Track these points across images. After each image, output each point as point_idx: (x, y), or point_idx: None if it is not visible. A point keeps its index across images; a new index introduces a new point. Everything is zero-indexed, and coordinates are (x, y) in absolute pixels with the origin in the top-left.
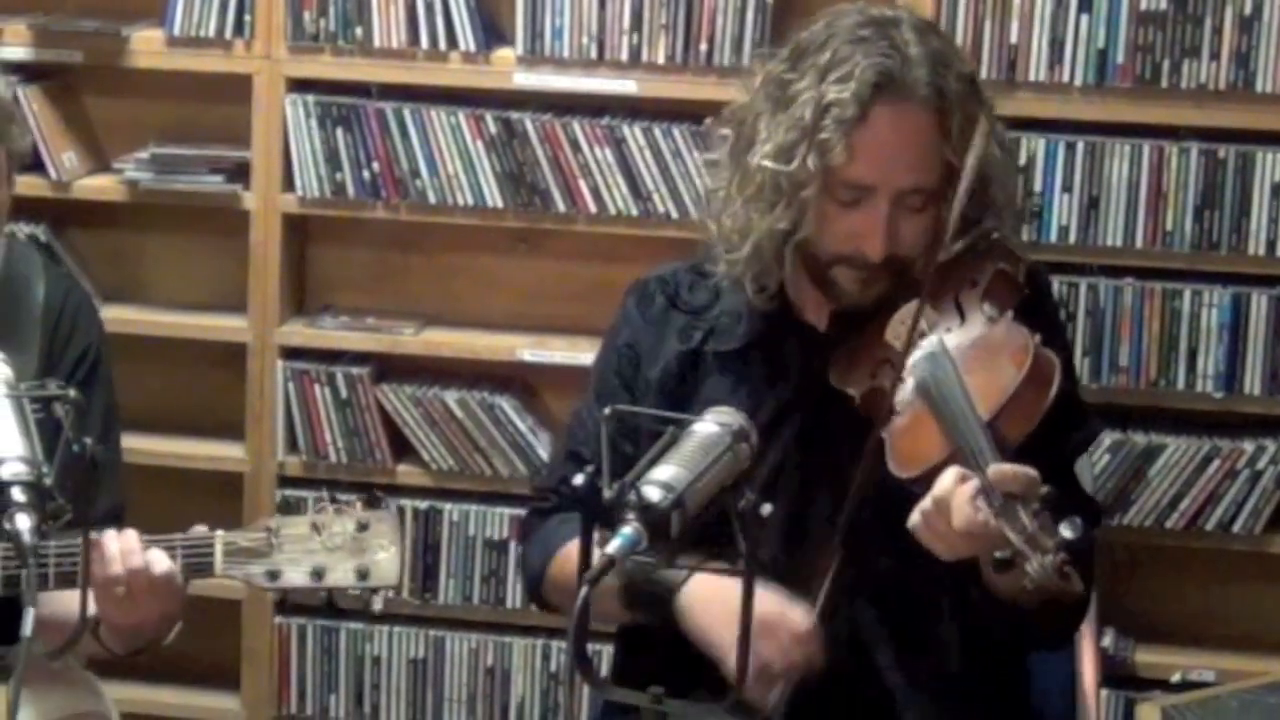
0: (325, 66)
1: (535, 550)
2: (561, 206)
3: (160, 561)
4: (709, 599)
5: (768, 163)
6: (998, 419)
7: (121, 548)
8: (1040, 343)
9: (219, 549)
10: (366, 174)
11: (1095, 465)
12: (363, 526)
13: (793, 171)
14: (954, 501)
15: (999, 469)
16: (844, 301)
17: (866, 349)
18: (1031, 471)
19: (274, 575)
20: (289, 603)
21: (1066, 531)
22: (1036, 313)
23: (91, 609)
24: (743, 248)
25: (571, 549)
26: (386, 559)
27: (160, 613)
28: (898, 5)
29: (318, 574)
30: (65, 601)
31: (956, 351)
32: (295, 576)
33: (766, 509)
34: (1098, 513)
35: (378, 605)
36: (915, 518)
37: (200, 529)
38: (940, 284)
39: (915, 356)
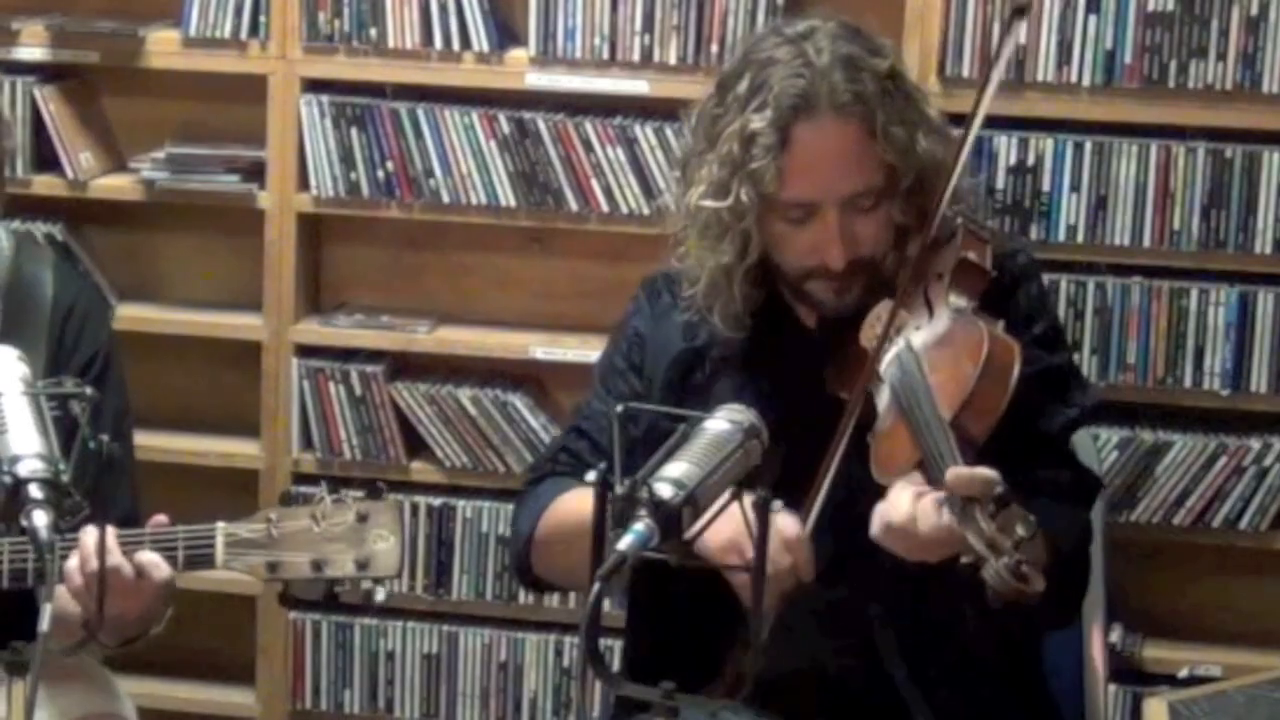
0: (340, 67)
1: (523, 516)
2: (574, 206)
3: (157, 567)
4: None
5: (706, 202)
6: (960, 417)
7: (95, 546)
8: (1003, 329)
9: (220, 540)
10: (381, 173)
11: (1103, 462)
12: (362, 517)
13: (729, 206)
14: (919, 511)
15: (955, 473)
16: (825, 311)
17: (852, 353)
18: (985, 473)
19: (274, 567)
20: (285, 603)
21: (1021, 530)
22: (1009, 297)
23: (72, 604)
24: (700, 283)
25: (561, 502)
26: (386, 549)
27: (141, 607)
28: (815, 14)
29: (318, 565)
30: (61, 598)
31: (922, 350)
32: (295, 568)
33: (778, 505)
34: (1096, 487)
35: (380, 597)
36: (875, 527)
37: (160, 518)
38: (909, 280)
39: (886, 359)
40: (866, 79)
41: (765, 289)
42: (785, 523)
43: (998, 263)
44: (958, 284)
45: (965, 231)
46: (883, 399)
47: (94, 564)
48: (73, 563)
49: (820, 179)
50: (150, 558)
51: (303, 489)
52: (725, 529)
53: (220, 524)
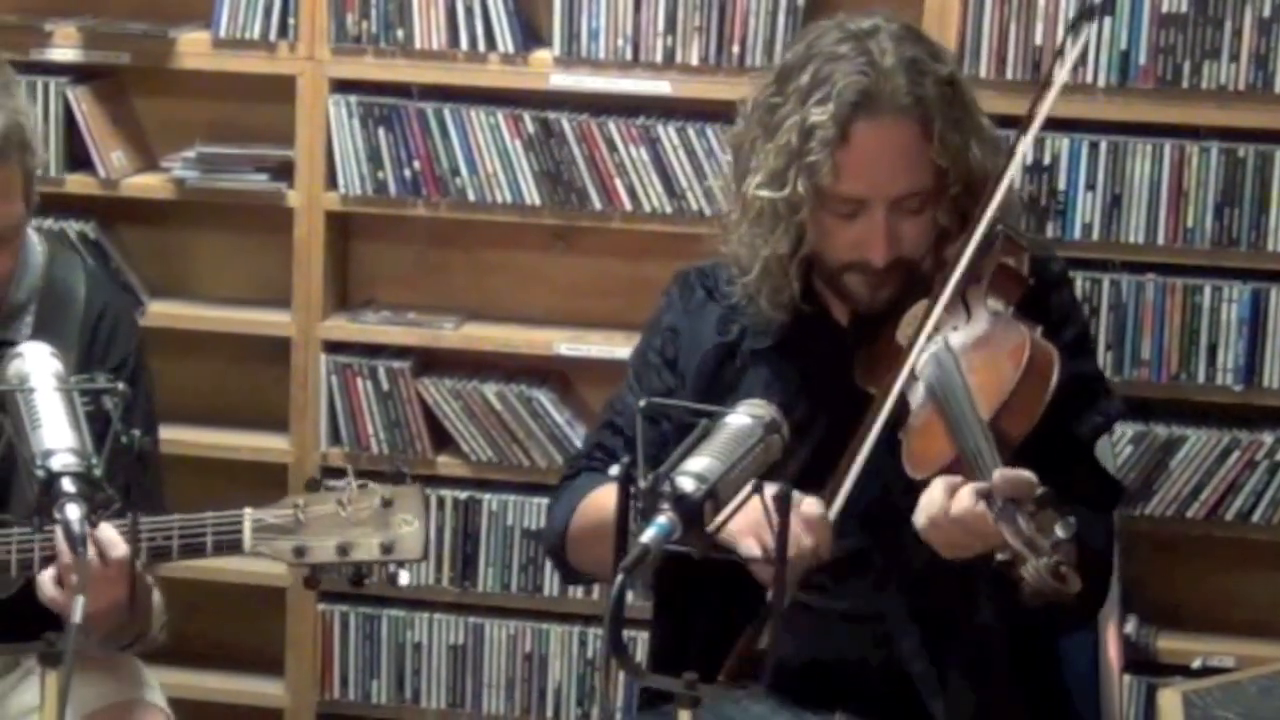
0: (367, 67)
1: (557, 510)
2: (597, 204)
3: (113, 545)
4: None
5: (762, 191)
6: (998, 418)
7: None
8: (1041, 334)
9: (248, 526)
10: (407, 172)
11: (1118, 457)
12: (387, 502)
13: (785, 196)
14: (953, 501)
15: (1000, 474)
16: (858, 305)
17: (884, 348)
18: (1028, 474)
19: (301, 551)
20: (311, 585)
21: (1060, 532)
22: (1043, 303)
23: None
24: (753, 269)
25: (593, 497)
26: (411, 533)
27: (110, 598)
28: (877, 13)
29: (343, 549)
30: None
31: (960, 351)
32: (321, 552)
33: (798, 498)
34: (1118, 493)
35: (404, 579)
36: (919, 521)
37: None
38: (946, 282)
39: (923, 357)
40: (928, 83)
41: (802, 282)
42: (808, 504)
43: (1033, 270)
44: (996, 288)
45: (1005, 238)
46: (916, 396)
47: (67, 559)
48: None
49: (874, 176)
50: (107, 534)
51: (332, 483)
52: (747, 514)
53: (248, 510)
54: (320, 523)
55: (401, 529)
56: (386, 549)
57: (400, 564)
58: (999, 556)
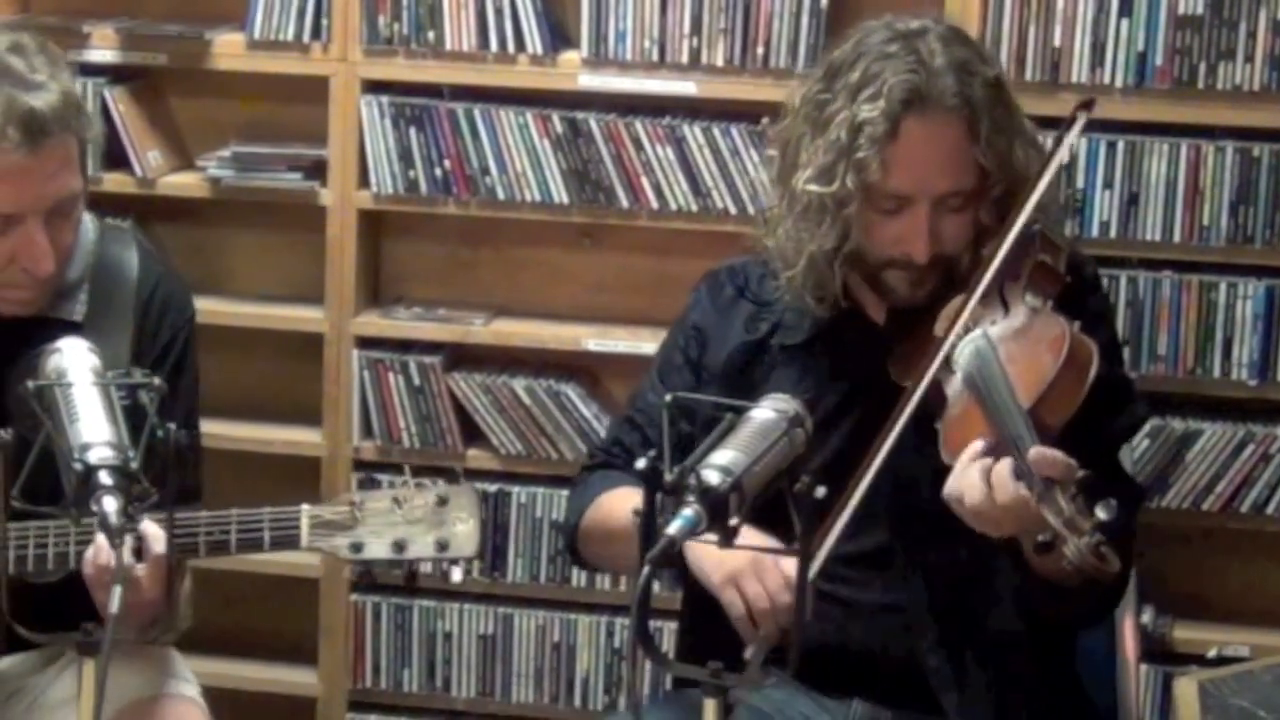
0: (399, 68)
1: (573, 503)
2: (624, 203)
3: (156, 539)
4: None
5: (811, 186)
6: (1038, 407)
7: (102, 542)
8: (1079, 330)
9: (305, 522)
10: (438, 171)
11: (1135, 449)
12: (443, 501)
13: (834, 192)
14: (994, 480)
15: (1038, 453)
16: (897, 301)
17: (921, 344)
18: (1068, 457)
19: (357, 547)
20: (364, 581)
21: (1102, 514)
22: (1078, 301)
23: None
24: (798, 264)
25: (604, 500)
26: (465, 531)
27: (147, 596)
28: (925, 15)
29: (399, 546)
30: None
31: (999, 343)
32: (378, 548)
33: (821, 492)
34: (1140, 495)
35: (456, 577)
36: (950, 491)
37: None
38: (983, 275)
39: (962, 349)
40: (976, 84)
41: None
42: (787, 562)
43: (1070, 269)
44: (1034, 286)
45: (1043, 238)
46: (953, 387)
47: (104, 557)
48: (87, 553)
49: (921, 173)
50: (151, 530)
51: (365, 476)
52: (726, 561)
53: (305, 506)
54: (376, 520)
55: (456, 526)
56: (442, 546)
57: (454, 561)
58: (1040, 537)
